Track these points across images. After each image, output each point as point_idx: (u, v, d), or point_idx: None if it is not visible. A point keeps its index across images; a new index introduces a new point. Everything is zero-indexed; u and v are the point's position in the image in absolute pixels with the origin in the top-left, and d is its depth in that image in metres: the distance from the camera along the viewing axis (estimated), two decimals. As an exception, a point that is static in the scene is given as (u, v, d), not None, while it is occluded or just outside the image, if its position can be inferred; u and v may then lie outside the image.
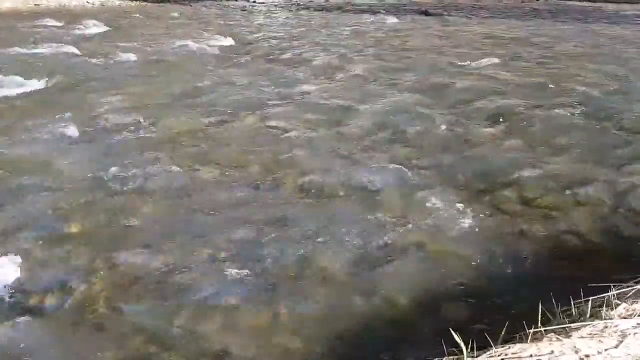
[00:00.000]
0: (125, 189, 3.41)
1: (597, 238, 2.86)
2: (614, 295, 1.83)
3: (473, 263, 2.63)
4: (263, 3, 18.27)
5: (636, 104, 5.35)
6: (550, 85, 6.09)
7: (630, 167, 3.78)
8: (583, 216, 3.13)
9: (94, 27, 10.63)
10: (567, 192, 3.38)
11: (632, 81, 6.36)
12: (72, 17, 12.35)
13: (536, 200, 3.30)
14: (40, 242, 2.79)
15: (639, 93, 5.79)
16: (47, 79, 6.09)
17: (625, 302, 1.75)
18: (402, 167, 3.74)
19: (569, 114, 5.02)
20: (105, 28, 10.75)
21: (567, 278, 2.44)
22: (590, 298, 1.84)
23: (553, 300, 2.03)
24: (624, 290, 1.86)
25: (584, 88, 5.92)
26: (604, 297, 1.85)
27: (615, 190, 3.41)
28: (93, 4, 15.39)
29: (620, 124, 4.69)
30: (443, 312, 2.29)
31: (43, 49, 8.01)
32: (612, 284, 1.96)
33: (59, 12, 13.27)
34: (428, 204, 3.23)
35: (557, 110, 5.09)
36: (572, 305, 1.90)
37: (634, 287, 1.85)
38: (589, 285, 2.05)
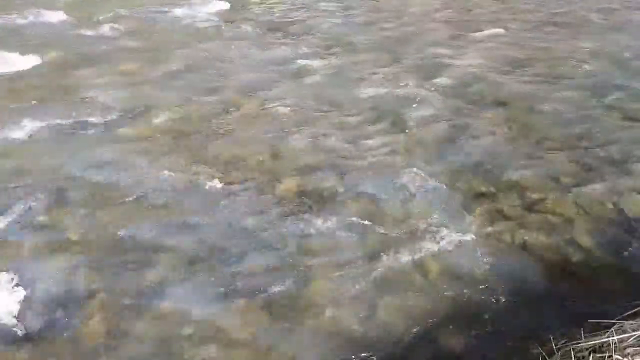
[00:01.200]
0: (120, 193, 3.38)
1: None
2: (614, 344, 1.83)
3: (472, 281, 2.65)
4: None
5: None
6: (557, 65, 5.94)
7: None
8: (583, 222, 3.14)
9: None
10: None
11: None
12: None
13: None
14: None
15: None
16: (38, 54, 5.91)
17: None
18: (403, 165, 3.71)
19: (573, 98, 4.94)
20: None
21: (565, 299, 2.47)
22: (588, 344, 1.85)
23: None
24: (624, 336, 1.86)
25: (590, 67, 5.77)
26: (602, 342, 1.86)
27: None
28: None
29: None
30: (436, 340, 2.30)
31: (32, 17, 7.72)
32: (613, 324, 1.97)
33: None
34: (429, 205, 3.24)
35: (564, 94, 5.01)
36: (571, 351, 1.91)
37: (634, 334, 1.85)
38: (589, 321, 2.07)
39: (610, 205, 3.25)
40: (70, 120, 4.40)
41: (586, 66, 5.89)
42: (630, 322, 2.00)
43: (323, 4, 9.16)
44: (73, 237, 2.96)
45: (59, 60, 5.86)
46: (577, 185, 3.50)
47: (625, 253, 2.86)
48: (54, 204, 3.26)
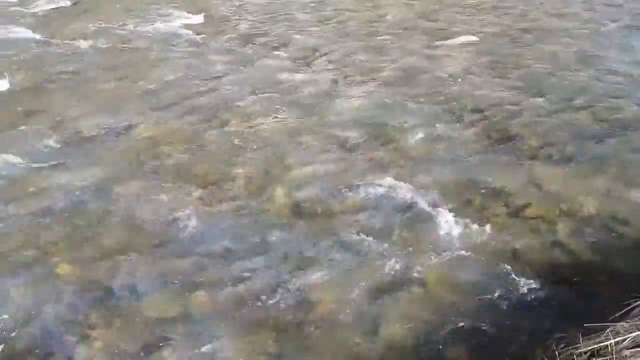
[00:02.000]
0: (107, 220, 3.35)
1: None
2: (611, 347, 1.92)
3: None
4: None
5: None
6: (526, 71, 6.13)
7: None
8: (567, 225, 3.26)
9: (52, 3, 10.06)
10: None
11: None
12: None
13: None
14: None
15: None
16: (7, 76, 5.79)
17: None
18: (390, 176, 3.79)
19: (546, 106, 5.10)
20: (64, 3, 10.19)
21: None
22: (587, 349, 1.94)
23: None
24: (619, 338, 1.95)
25: (554, 72, 5.98)
26: (600, 346, 1.95)
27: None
28: (48, -29, 14.53)
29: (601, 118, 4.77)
30: (439, 350, 2.36)
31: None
32: (607, 326, 2.07)
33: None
34: (417, 218, 3.31)
35: (534, 101, 5.18)
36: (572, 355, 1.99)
37: (629, 336, 1.94)
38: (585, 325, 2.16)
39: (592, 208, 3.38)
40: (45, 145, 4.34)
41: (556, 70, 6.10)
42: (623, 323, 2.09)
43: (297, 15, 9.23)
44: (60, 272, 2.92)
45: (29, 81, 5.76)
46: (559, 189, 3.63)
47: (610, 253, 2.99)
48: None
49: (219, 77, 5.95)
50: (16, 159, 4.08)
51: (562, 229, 3.17)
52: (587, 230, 3.19)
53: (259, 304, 2.62)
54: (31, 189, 3.67)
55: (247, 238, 3.13)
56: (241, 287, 2.73)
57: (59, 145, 4.33)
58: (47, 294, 2.72)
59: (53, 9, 9.63)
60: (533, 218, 3.31)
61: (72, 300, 2.69)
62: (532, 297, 2.66)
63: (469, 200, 3.54)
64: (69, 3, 10.12)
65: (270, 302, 2.64)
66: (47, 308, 2.64)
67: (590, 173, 3.79)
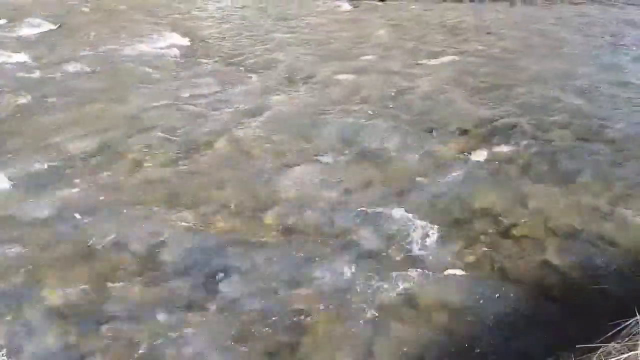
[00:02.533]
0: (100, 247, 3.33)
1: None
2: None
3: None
4: (213, -12, 17.70)
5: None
6: (508, 90, 6.25)
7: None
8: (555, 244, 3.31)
9: (39, 27, 10.04)
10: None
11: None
12: (14, 12, 11.61)
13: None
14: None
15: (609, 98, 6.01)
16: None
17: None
18: (380, 197, 3.82)
19: (527, 124, 5.21)
20: (51, 26, 10.18)
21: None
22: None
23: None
24: (613, 359, 1.98)
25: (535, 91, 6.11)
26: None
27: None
28: (32, -6, 14.51)
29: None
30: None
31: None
32: (599, 346, 2.10)
33: (-4, 6, 12.47)
34: (409, 238, 3.34)
35: (516, 120, 5.28)
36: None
37: (621, 356, 1.97)
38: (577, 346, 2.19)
39: (578, 226, 3.44)
40: (36, 169, 4.30)
41: (535, 88, 6.24)
42: (614, 344, 2.13)
43: (281, 36, 9.34)
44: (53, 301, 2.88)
45: (18, 105, 5.73)
46: (544, 208, 3.69)
47: (597, 272, 3.04)
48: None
49: (204, 99, 5.97)
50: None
51: (549, 249, 3.21)
52: (572, 248, 3.24)
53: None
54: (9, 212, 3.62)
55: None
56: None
57: (45, 168, 4.29)
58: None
59: (37, 33, 9.61)
60: (521, 237, 3.35)
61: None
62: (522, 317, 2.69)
63: (456, 219, 3.58)
64: (52, 27, 10.13)
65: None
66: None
67: (576, 191, 3.86)
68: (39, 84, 6.51)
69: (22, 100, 5.85)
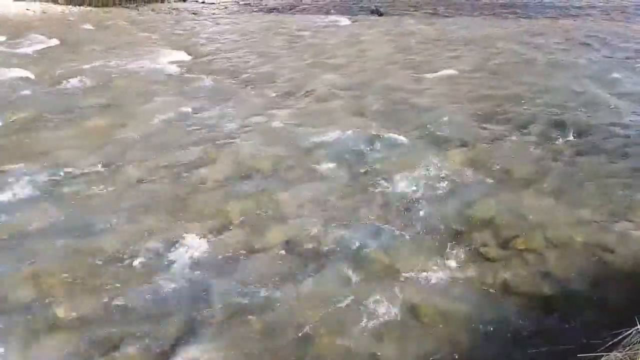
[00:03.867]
0: (100, 257, 3.35)
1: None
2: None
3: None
4: (213, 4, 17.89)
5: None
6: (507, 104, 6.32)
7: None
8: (555, 256, 3.34)
9: (40, 43, 10.15)
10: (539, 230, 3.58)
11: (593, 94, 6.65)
12: (14, 28, 11.74)
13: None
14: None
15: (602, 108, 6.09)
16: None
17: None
18: (381, 211, 3.85)
19: (525, 137, 5.27)
20: (52, 42, 10.29)
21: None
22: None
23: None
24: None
25: (533, 108, 6.19)
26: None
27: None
28: (34, 11, 14.65)
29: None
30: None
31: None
32: (600, 356, 2.12)
33: (-2, 23, 12.61)
34: (412, 251, 3.37)
35: (516, 133, 5.34)
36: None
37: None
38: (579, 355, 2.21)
39: (579, 238, 3.47)
40: (39, 184, 4.33)
41: (535, 102, 6.31)
42: (616, 353, 2.15)
43: (280, 52, 9.45)
44: (60, 315, 2.89)
45: (20, 121, 5.78)
46: (544, 220, 3.72)
47: (598, 283, 3.06)
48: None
49: (204, 113, 6.03)
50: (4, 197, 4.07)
51: (550, 260, 3.24)
52: (572, 260, 3.26)
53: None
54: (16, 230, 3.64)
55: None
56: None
57: (48, 184, 4.32)
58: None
59: (39, 49, 9.72)
60: (522, 249, 3.37)
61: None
62: (524, 329, 2.71)
63: (457, 231, 3.61)
64: (56, 42, 10.24)
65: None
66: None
67: (576, 203, 3.90)
68: (40, 99, 6.57)
69: (23, 115, 5.90)
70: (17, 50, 9.62)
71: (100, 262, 3.27)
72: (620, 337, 2.30)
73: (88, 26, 12.55)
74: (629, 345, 2.19)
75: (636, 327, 2.23)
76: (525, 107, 6.15)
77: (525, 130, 5.41)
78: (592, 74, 7.63)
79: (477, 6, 16.84)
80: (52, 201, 4.04)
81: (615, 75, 7.49)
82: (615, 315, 2.64)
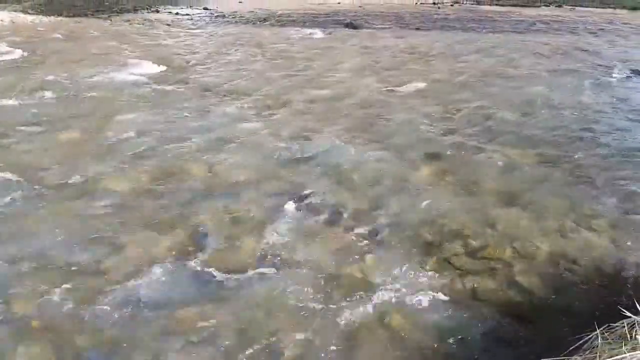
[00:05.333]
0: (76, 277, 3.33)
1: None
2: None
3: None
4: (187, 15, 17.88)
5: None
6: (475, 116, 6.52)
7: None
8: (522, 265, 3.46)
9: (8, 54, 10.00)
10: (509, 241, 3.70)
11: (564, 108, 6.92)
12: (-18, 38, 11.54)
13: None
14: None
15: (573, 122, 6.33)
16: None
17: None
18: (353, 221, 3.93)
19: (492, 149, 5.44)
20: (21, 53, 10.12)
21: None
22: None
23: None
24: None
25: (497, 114, 6.40)
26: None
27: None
28: (2, 20, 14.42)
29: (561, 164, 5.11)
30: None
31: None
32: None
33: (-36, 32, 12.36)
34: (383, 261, 3.44)
35: (486, 146, 5.51)
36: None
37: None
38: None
39: (545, 247, 3.60)
40: (10, 198, 4.27)
41: (502, 115, 6.53)
42: (576, 357, 2.25)
43: (257, 66, 9.50)
44: (34, 324, 2.87)
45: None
46: (512, 230, 3.85)
47: (562, 290, 3.18)
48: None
49: (180, 125, 6.03)
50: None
51: (517, 269, 3.35)
52: (538, 268, 3.39)
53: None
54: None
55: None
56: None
57: (20, 198, 4.26)
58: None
59: (7, 60, 9.57)
60: (489, 258, 3.48)
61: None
62: (491, 336, 2.80)
63: (428, 242, 3.70)
64: (25, 53, 10.09)
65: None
66: None
67: (541, 214, 4.04)
68: (10, 111, 6.48)
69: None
70: (-15, 61, 9.45)
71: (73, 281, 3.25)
72: (582, 341, 2.40)
73: (58, 36, 12.41)
74: (589, 349, 2.29)
75: (596, 332, 2.34)
76: (491, 119, 6.35)
77: (491, 142, 5.58)
78: (559, 84, 7.93)
79: (448, 21, 17.25)
80: (23, 214, 3.99)
81: (583, 84, 7.81)
82: (577, 321, 2.76)
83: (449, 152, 5.31)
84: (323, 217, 4.01)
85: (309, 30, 13.99)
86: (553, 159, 5.17)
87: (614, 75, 8.81)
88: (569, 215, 4.03)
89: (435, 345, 2.73)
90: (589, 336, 2.41)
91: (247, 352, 2.66)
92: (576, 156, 5.21)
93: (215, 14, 18.28)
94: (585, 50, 11.27)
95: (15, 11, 16.43)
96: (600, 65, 9.61)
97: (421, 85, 8.07)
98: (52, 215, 3.98)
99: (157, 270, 3.32)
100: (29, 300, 3.04)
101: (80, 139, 5.56)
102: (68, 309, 2.97)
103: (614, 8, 20.79)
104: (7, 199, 4.21)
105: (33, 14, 16.29)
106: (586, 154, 5.26)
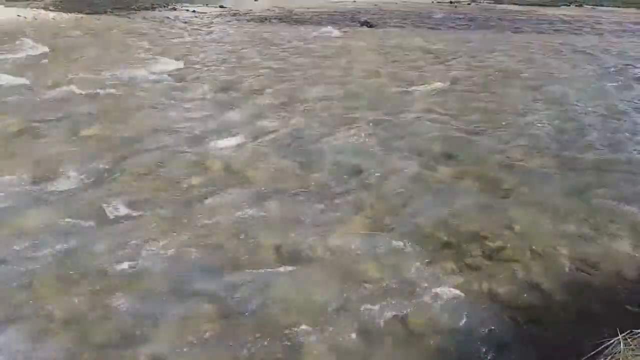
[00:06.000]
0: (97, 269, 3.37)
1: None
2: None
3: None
4: (204, 13, 17.99)
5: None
6: (495, 116, 6.48)
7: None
8: (540, 267, 3.43)
9: (31, 49, 10.16)
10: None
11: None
12: (5, 34, 11.74)
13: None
14: None
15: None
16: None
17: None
18: (371, 222, 3.93)
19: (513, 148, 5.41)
20: (43, 49, 10.29)
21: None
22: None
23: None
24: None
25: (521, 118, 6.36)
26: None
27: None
28: (25, 17, 14.65)
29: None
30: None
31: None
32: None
33: (-12, 29, 12.57)
34: (401, 262, 3.44)
35: (504, 147, 5.47)
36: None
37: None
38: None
39: (563, 250, 3.57)
40: (31, 191, 4.35)
41: (521, 114, 6.48)
42: (597, 363, 2.25)
43: (272, 64, 9.53)
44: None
45: (13, 127, 5.79)
46: (530, 231, 3.82)
47: (581, 293, 3.16)
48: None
49: (199, 122, 6.08)
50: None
51: (535, 271, 3.33)
52: (556, 271, 3.36)
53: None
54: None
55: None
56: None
57: (38, 191, 4.34)
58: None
59: (32, 55, 9.72)
60: (507, 260, 3.47)
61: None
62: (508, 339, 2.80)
63: (446, 242, 3.69)
64: (48, 50, 10.24)
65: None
66: None
67: (561, 217, 4.01)
68: (35, 106, 6.58)
69: (19, 121, 5.91)
70: (9, 55, 9.62)
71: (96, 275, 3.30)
72: (603, 346, 2.39)
73: (79, 33, 12.58)
74: (610, 355, 2.28)
75: (617, 337, 2.33)
76: (505, 119, 6.32)
77: (511, 144, 5.55)
78: (581, 87, 7.86)
79: (465, 20, 17.14)
80: (43, 207, 4.05)
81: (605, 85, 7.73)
82: (598, 326, 2.74)
83: (466, 152, 5.28)
84: (342, 216, 4.02)
85: (324, 29, 13.99)
86: (567, 161, 5.10)
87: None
88: (589, 219, 3.99)
89: (453, 347, 2.73)
90: (610, 341, 2.40)
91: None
92: (599, 158, 5.16)
93: (232, 12, 18.38)
94: (606, 50, 11.15)
95: (37, 8, 16.68)
96: (626, 66, 9.49)
97: (438, 85, 8.03)
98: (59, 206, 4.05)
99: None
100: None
101: (100, 135, 5.63)
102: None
103: (638, 7, 20.47)
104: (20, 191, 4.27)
105: (54, 10, 16.52)
106: (612, 158, 5.20)
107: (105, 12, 16.94)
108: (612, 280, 3.24)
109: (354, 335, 2.77)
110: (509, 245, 3.63)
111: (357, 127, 6.00)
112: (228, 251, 3.52)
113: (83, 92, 7.24)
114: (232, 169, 4.82)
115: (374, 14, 18.07)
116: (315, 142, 5.48)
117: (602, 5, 21.34)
